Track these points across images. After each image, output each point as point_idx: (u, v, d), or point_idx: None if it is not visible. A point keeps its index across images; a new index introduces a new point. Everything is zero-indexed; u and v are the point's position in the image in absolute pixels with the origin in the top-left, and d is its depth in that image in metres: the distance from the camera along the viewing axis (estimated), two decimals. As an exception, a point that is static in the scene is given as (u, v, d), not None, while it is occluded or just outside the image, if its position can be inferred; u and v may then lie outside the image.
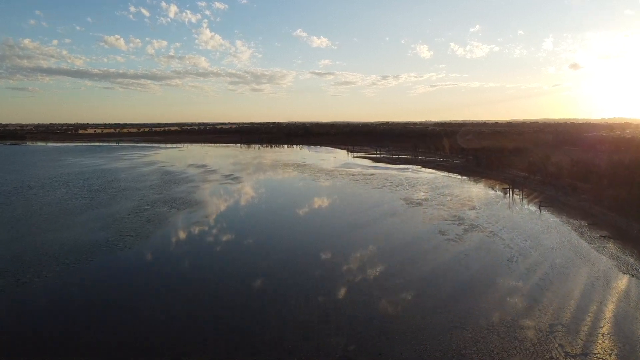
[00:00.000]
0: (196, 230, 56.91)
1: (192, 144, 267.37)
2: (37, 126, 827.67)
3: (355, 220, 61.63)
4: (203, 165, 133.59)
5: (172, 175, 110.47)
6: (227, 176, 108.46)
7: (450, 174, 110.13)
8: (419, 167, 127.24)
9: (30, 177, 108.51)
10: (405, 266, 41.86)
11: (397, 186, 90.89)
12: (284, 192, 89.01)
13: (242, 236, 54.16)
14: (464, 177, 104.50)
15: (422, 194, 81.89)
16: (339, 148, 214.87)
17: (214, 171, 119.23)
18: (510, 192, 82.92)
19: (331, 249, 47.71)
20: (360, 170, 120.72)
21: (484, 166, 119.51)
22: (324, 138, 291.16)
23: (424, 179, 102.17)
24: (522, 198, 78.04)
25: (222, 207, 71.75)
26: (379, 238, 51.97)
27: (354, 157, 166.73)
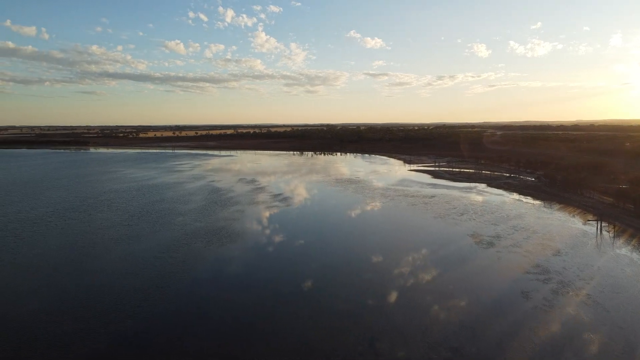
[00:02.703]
0: (233, 279, 49.93)
1: (245, 151, 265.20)
2: (103, 128, 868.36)
3: (417, 270, 52.65)
4: (252, 181, 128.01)
5: (219, 194, 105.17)
6: (275, 196, 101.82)
7: (522, 197, 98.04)
8: (484, 185, 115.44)
9: (79, 195, 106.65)
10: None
11: (462, 214, 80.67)
12: (335, 222, 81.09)
13: (281, 282, 46.43)
14: (538, 203, 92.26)
15: (493, 227, 71.34)
16: (394, 158, 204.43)
17: (262, 189, 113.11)
18: (598, 227, 70.68)
19: (388, 315, 39.16)
20: (419, 189, 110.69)
21: (559, 187, 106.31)
22: (379, 144, 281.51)
23: (492, 203, 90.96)
24: (614, 236, 65.94)
25: (264, 243, 64.82)
26: (449, 305, 42.78)
27: (410, 170, 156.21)
